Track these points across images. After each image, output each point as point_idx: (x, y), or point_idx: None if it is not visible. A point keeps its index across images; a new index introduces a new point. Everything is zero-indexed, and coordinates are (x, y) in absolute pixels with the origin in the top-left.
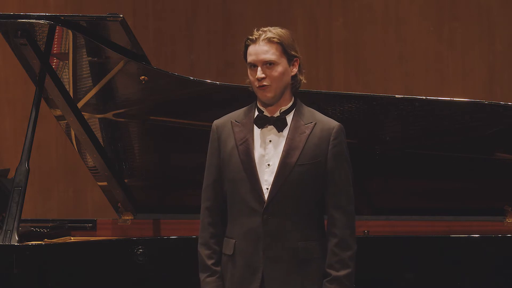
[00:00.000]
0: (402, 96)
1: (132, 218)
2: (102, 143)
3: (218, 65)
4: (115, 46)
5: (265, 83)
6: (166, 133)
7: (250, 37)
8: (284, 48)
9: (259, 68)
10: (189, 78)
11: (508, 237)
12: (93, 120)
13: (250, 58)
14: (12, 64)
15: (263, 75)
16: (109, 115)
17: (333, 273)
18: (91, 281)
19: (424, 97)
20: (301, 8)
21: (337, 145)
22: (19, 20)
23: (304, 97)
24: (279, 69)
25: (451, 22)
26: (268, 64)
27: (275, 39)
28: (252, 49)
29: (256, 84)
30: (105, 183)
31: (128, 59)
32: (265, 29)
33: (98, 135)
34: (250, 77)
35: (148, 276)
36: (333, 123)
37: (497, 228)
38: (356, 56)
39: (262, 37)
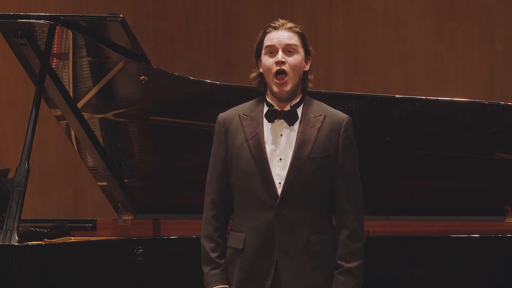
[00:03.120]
0: (402, 96)
1: (132, 218)
2: (102, 143)
3: (218, 65)
4: (115, 46)
5: (283, 68)
6: (166, 133)
7: (272, 24)
8: (304, 40)
9: (280, 51)
10: (189, 78)
11: (508, 237)
12: (93, 120)
13: (270, 43)
14: (12, 64)
15: (283, 59)
16: (109, 115)
17: (345, 264)
18: (91, 281)
19: (424, 97)
20: (301, 8)
21: (347, 138)
22: (19, 20)
23: None
24: (298, 58)
25: (451, 22)
26: (288, 52)
27: (297, 29)
28: (274, 34)
29: (274, 69)
30: (105, 183)
31: (128, 59)
32: (286, 20)
33: (98, 135)
34: (266, 65)
35: (148, 276)
36: (342, 116)
37: (497, 228)
38: (356, 56)
39: (286, 25)
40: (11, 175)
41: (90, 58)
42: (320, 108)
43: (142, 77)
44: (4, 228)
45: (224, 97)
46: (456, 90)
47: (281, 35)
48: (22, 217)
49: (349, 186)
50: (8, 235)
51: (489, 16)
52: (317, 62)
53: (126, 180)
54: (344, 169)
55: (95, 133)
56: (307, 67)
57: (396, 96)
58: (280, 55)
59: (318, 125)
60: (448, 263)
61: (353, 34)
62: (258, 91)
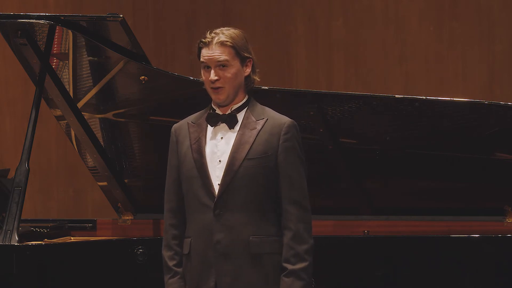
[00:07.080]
0: (402, 96)
1: (132, 218)
2: (102, 143)
3: None
4: (115, 46)
5: (218, 85)
6: (166, 133)
7: (203, 40)
8: (237, 51)
9: (212, 70)
10: (189, 78)
11: (508, 237)
12: (93, 120)
13: (203, 59)
14: (12, 64)
15: (216, 77)
16: (109, 115)
17: (289, 266)
18: (91, 281)
19: (424, 97)
20: (301, 8)
21: (288, 140)
22: (19, 20)
23: (304, 97)
24: (232, 70)
25: (451, 22)
26: (221, 66)
27: (228, 43)
28: (205, 51)
29: (210, 85)
30: (105, 183)
31: (128, 59)
32: (217, 31)
33: (98, 135)
34: (204, 77)
35: (148, 276)
36: (285, 119)
37: (497, 228)
38: (356, 56)
39: (215, 40)
40: (11, 175)
41: (90, 58)
42: (263, 112)
43: (142, 77)
44: (4, 228)
45: None
46: (456, 90)
47: (212, 53)
48: (22, 217)
49: (290, 188)
50: (8, 235)
51: (489, 16)
52: (317, 62)
53: (126, 180)
54: (284, 171)
55: (95, 133)
56: (247, 72)
57: (396, 96)
58: (212, 74)
59: (258, 127)
60: (448, 263)
61: (353, 34)
62: (256, 91)
